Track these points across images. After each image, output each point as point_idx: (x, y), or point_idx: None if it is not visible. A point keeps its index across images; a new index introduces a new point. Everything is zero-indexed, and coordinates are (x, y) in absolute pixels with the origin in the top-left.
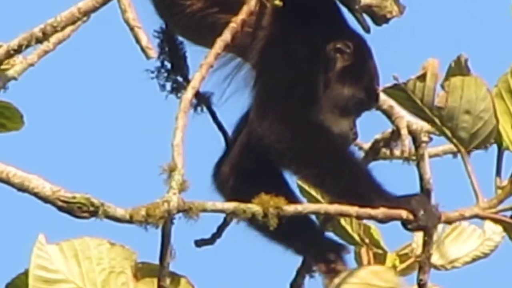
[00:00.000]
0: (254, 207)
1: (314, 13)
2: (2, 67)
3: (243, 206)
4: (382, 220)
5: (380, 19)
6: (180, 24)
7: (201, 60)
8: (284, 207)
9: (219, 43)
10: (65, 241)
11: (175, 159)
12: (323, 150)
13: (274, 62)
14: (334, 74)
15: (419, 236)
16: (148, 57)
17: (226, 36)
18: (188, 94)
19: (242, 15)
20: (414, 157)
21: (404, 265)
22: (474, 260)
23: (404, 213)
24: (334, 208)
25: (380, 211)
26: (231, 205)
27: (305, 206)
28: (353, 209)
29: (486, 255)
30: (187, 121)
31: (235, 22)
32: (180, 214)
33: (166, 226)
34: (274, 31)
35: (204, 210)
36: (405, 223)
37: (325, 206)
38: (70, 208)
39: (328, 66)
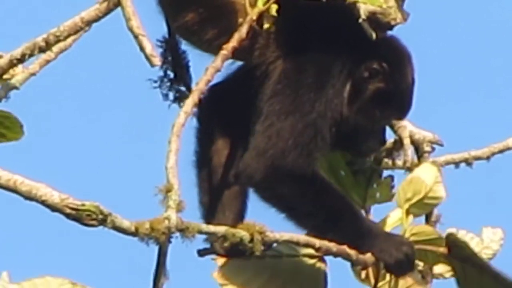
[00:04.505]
0: (241, 232)
1: (342, 33)
2: (4, 78)
3: (232, 230)
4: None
5: (384, 26)
6: (201, 48)
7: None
8: (267, 233)
9: (210, 70)
10: (27, 280)
11: (171, 181)
12: (309, 203)
13: (282, 103)
14: (366, 95)
15: None
16: (152, 64)
17: (217, 63)
18: (181, 119)
19: (233, 42)
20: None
21: None
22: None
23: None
24: (303, 238)
25: (354, 252)
26: (222, 229)
27: (282, 234)
28: (332, 245)
29: None
30: (180, 144)
31: (226, 49)
32: (176, 234)
33: (163, 245)
34: (291, 58)
35: (200, 231)
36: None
37: (296, 236)
38: (79, 216)
39: (361, 87)
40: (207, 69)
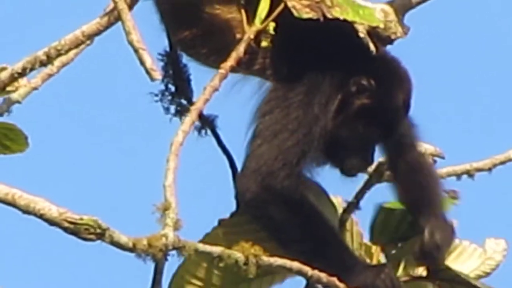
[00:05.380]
0: (237, 254)
1: (339, 48)
2: (6, 90)
3: (228, 251)
4: None
5: (385, 40)
6: (200, 62)
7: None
8: (262, 256)
9: (209, 89)
10: None
11: (169, 199)
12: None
13: (272, 122)
14: (351, 110)
15: None
16: (152, 79)
17: (215, 82)
18: (179, 138)
19: (231, 61)
20: None
21: None
22: (475, 279)
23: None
24: (296, 265)
25: (343, 286)
26: (218, 249)
27: (276, 259)
28: (323, 275)
29: (487, 274)
30: (178, 163)
31: (224, 69)
32: (173, 253)
33: (160, 262)
34: (284, 76)
35: (196, 251)
36: None
37: (290, 263)
38: (77, 230)
39: (347, 101)
40: (205, 88)
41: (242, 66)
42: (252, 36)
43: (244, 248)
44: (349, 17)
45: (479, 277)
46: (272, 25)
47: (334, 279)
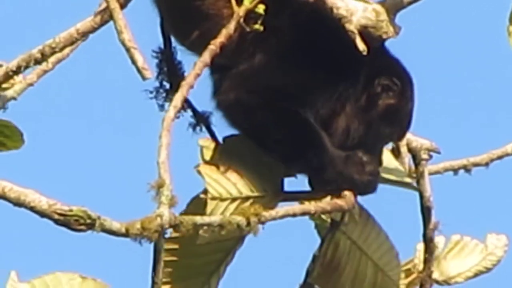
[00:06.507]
0: (237, 218)
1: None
2: (2, 87)
3: (228, 218)
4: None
5: (376, 39)
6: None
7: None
8: (263, 213)
9: (199, 64)
10: (36, 278)
11: (162, 176)
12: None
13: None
14: (377, 111)
15: (421, 251)
16: (144, 78)
17: (205, 57)
18: (170, 113)
19: (221, 37)
20: (414, 175)
21: (406, 281)
22: (476, 275)
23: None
24: (299, 208)
25: (344, 202)
26: (217, 218)
27: (277, 210)
28: (325, 204)
29: (488, 269)
30: (170, 139)
31: (214, 45)
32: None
33: (158, 242)
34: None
35: (195, 225)
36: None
37: (292, 209)
38: (67, 221)
39: (372, 101)
40: (196, 63)
41: (232, 53)
42: (241, 14)
43: (244, 210)
44: None
45: (481, 272)
46: (262, 7)
47: (335, 201)
